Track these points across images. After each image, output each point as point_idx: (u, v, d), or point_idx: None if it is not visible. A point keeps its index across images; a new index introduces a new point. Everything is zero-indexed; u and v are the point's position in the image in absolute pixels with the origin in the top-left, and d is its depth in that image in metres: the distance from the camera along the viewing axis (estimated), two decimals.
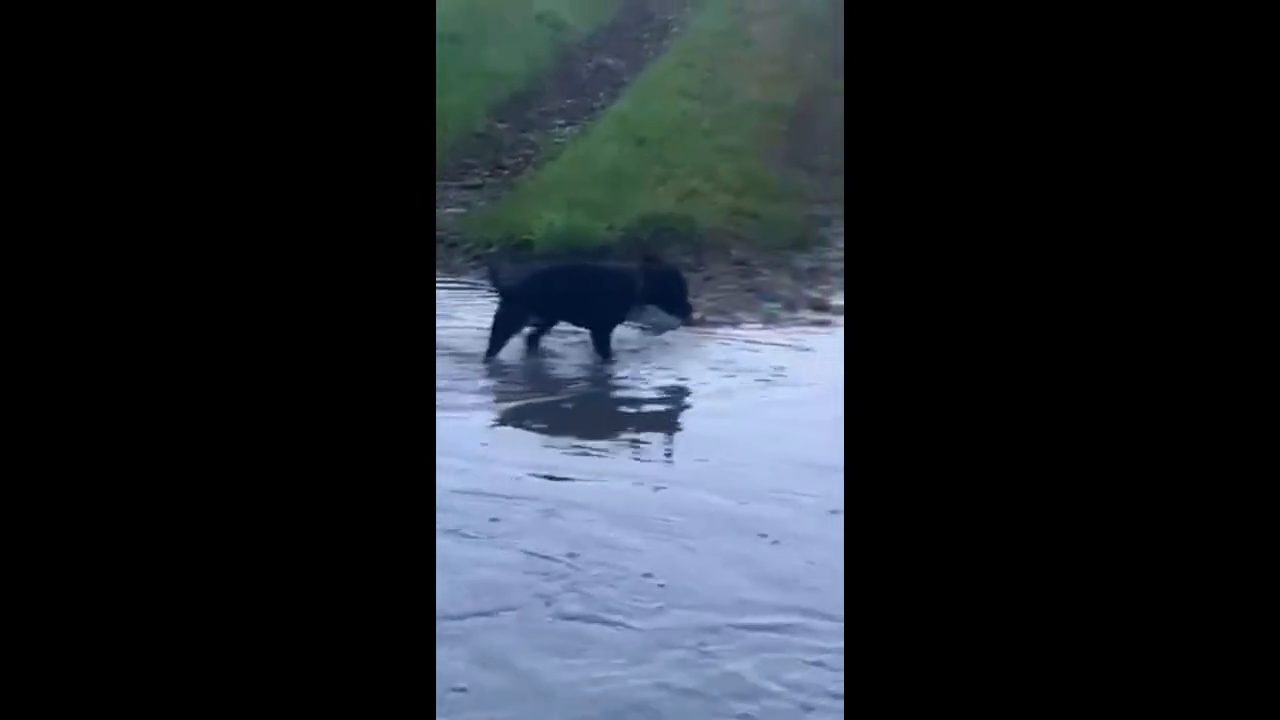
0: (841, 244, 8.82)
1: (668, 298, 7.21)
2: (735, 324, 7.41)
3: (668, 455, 5.88)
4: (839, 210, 9.43)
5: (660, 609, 4.27)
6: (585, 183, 9.24)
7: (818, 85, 12.55)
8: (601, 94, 12.58)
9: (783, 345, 7.15)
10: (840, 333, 7.33)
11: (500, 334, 6.99)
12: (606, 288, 7.20)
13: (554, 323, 7.19)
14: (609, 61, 13.87)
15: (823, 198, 9.71)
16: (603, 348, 7.06)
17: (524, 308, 7.08)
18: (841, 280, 8.13)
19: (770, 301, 7.71)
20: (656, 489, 5.32)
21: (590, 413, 6.42)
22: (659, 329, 7.30)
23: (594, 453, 5.76)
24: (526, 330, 7.10)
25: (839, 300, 7.73)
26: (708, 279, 7.95)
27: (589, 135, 10.83)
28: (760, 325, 7.44)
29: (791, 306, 7.66)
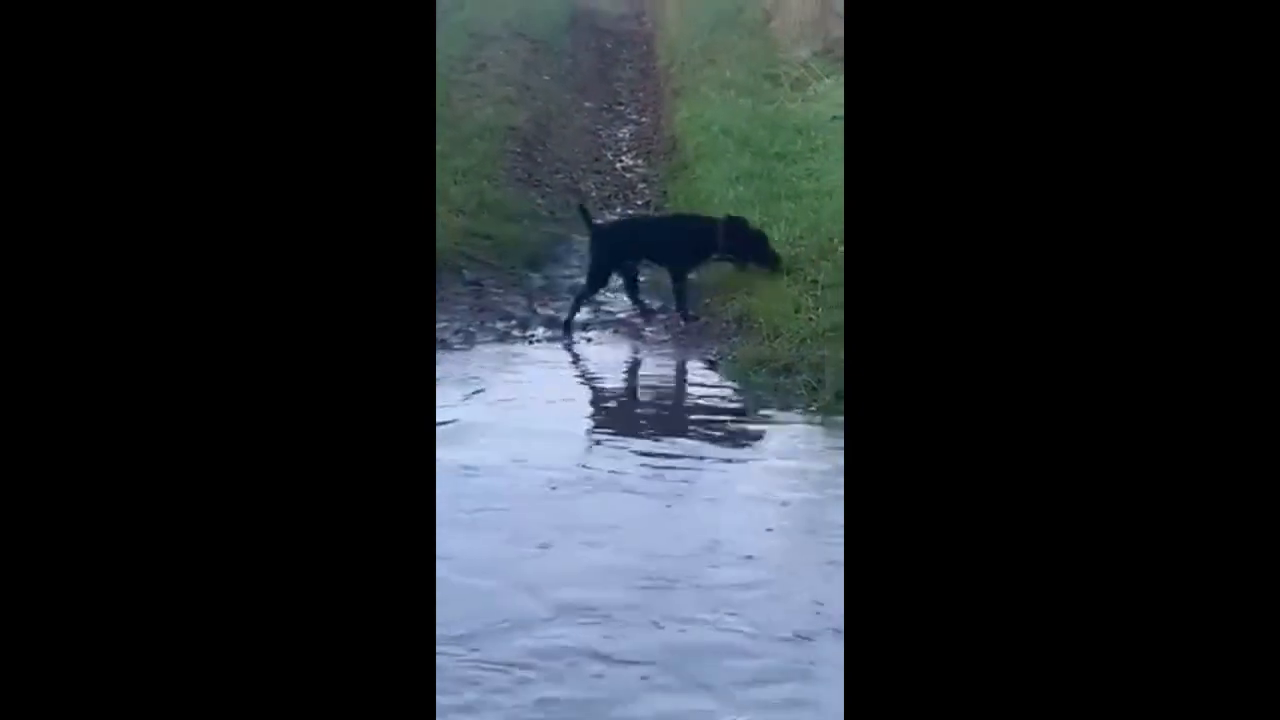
0: (574, 262, 8.90)
1: (748, 248, 7.86)
2: (470, 345, 7.40)
3: None
4: (573, 229, 9.53)
5: None
6: None
7: (550, 107, 12.64)
8: None
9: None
10: (579, 345, 7.43)
11: (596, 272, 7.75)
12: (689, 231, 7.92)
13: (638, 261, 7.86)
14: None
15: (557, 217, 9.78)
16: (680, 293, 7.70)
17: (612, 248, 7.78)
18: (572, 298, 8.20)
19: (503, 320, 7.74)
20: None
21: None
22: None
23: None
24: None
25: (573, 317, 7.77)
26: (441, 300, 7.91)
27: None
28: (495, 343, 7.47)
29: (524, 325, 7.69)
